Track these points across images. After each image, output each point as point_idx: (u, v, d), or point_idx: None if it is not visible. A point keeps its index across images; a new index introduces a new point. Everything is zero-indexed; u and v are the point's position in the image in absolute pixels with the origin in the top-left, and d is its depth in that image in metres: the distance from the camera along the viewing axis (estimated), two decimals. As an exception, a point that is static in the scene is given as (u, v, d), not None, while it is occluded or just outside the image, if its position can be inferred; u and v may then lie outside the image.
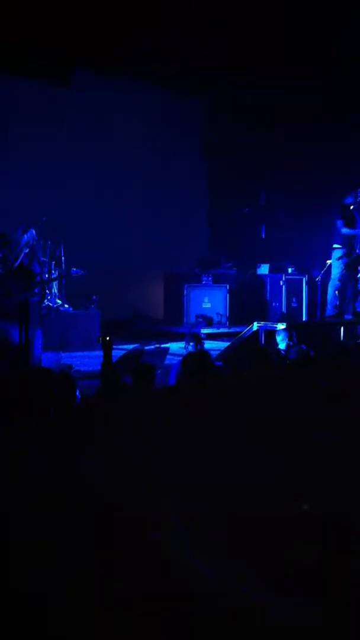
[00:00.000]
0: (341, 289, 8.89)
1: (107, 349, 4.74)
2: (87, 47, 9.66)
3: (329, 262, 9.80)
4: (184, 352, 6.15)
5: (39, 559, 1.85)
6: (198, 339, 6.45)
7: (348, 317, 9.03)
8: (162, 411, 2.92)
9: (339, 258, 8.95)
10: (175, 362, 6.10)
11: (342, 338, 8.30)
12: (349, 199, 9.07)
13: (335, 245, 9.03)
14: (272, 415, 2.76)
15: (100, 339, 4.99)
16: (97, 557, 1.85)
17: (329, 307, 9.01)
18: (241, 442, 2.50)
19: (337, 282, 8.91)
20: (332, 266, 9.02)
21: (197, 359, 3.86)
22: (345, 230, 8.90)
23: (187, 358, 4.09)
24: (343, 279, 8.91)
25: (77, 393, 3.71)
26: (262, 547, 1.96)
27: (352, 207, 8.98)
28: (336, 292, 8.87)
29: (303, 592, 1.76)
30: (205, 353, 4.51)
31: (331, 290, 8.98)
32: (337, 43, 9.72)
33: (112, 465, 2.26)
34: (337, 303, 8.85)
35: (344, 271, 8.90)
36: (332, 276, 9.00)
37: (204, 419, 2.74)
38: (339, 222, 8.99)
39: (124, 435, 2.55)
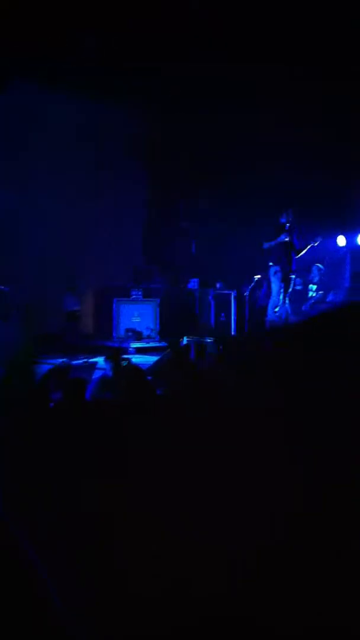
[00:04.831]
0: (279, 304, 9.06)
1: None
2: (20, 53, 9.29)
3: (256, 277, 9.99)
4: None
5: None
6: (116, 358, 5.67)
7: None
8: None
9: (275, 274, 9.12)
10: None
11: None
12: (282, 219, 9.27)
13: (270, 263, 9.19)
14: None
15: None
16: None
17: (267, 324, 9.15)
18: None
19: (275, 299, 9.08)
20: (271, 282, 9.17)
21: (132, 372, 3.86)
22: (265, 245, 9.14)
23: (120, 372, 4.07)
24: (281, 295, 9.08)
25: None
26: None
27: (287, 225, 9.19)
28: (275, 309, 9.02)
29: None
30: (137, 368, 4.50)
31: (269, 309, 9.12)
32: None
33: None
34: (275, 319, 9.00)
35: (282, 288, 9.08)
36: (272, 292, 9.14)
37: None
38: (265, 245, 9.21)
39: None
